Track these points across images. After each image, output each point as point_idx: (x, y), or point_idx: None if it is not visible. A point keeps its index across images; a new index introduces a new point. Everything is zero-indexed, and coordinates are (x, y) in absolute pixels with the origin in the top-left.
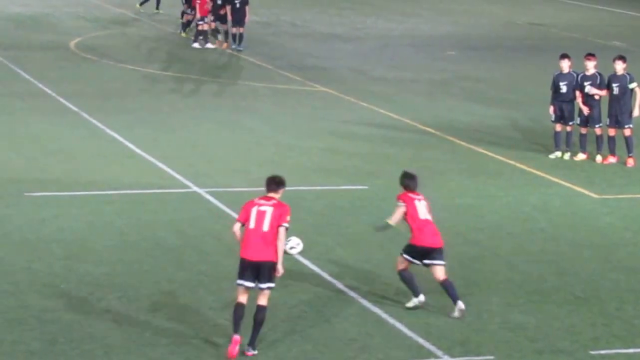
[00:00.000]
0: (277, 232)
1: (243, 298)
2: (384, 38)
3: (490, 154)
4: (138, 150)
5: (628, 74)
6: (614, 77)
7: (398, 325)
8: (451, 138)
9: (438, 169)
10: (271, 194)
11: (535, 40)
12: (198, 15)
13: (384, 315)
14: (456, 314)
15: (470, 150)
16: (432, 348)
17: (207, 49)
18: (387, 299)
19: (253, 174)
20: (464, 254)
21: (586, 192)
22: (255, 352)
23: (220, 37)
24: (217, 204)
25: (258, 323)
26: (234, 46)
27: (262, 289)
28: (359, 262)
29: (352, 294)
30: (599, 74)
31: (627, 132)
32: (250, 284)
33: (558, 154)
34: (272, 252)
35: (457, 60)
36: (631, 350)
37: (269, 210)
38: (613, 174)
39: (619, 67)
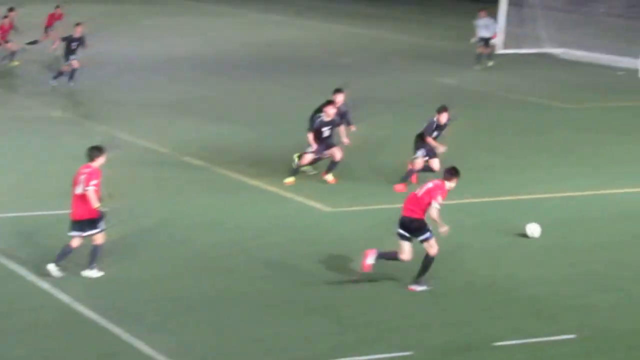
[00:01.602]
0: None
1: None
2: (122, 62)
3: (227, 172)
4: None
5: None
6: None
7: None
8: (189, 158)
9: (177, 188)
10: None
11: (270, 59)
12: None
13: None
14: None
15: (207, 170)
16: None
17: None
18: None
19: None
20: (204, 268)
21: (317, 205)
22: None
23: None
24: None
25: None
26: None
27: None
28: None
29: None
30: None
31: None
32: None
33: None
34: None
35: (194, 81)
36: (364, 358)
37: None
38: (341, 188)
39: (339, 98)
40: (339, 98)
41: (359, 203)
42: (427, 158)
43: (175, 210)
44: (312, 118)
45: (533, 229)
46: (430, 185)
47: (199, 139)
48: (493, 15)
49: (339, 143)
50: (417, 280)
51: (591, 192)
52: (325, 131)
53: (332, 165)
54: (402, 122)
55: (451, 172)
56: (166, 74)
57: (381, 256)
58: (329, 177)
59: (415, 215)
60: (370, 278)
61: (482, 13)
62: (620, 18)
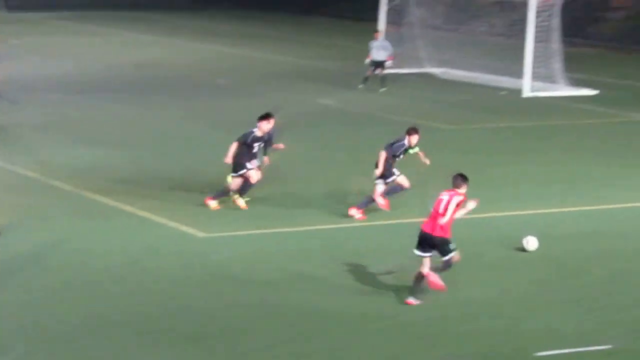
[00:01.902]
0: None
1: None
2: None
3: (97, 197)
4: None
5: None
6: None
7: None
8: (56, 182)
9: (44, 214)
10: None
11: (144, 80)
12: None
13: None
14: None
15: (77, 195)
16: None
17: None
18: None
19: None
20: (75, 296)
21: (192, 231)
22: None
23: None
24: None
25: None
26: None
27: None
28: None
29: None
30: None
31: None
32: None
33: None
34: None
35: (63, 103)
36: None
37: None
38: (217, 212)
39: (266, 126)
40: (269, 124)
41: (234, 228)
42: (390, 180)
43: (44, 237)
44: (245, 134)
45: (530, 242)
46: (445, 197)
47: (69, 162)
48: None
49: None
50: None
51: (473, 215)
52: (256, 147)
53: (245, 188)
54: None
55: (463, 179)
56: (35, 95)
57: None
58: (241, 202)
59: (439, 233)
60: (242, 303)
61: (377, 34)
62: (501, 37)
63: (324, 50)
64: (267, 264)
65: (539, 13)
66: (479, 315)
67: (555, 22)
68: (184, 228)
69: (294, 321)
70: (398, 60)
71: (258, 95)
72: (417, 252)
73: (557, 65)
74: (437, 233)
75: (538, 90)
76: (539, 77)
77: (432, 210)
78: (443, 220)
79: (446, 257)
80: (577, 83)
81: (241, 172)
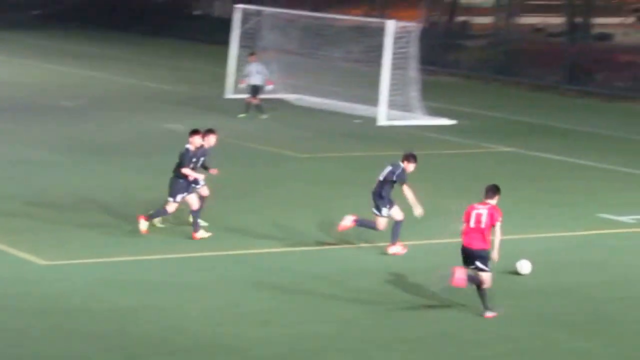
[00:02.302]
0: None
1: None
2: None
3: None
4: None
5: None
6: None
7: None
8: None
9: None
10: None
11: None
12: None
13: None
14: None
15: None
16: None
17: None
18: None
19: None
20: None
21: (33, 258)
22: None
23: None
24: None
25: None
26: None
27: None
28: None
29: None
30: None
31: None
32: None
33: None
34: None
35: None
36: None
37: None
38: (63, 239)
39: (211, 141)
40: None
41: (78, 256)
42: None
43: None
44: (182, 154)
45: (523, 267)
46: (483, 211)
47: None
48: (224, 58)
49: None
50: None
51: (320, 247)
52: (194, 163)
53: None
54: (119, 172)
55: (495, 190)
56: None
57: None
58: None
59: (479, 246)
60: (80, 333)
61: (252, 57)
62: (358, 63)
63: (175, 74)
64: (108, 294)
65: (396, 40)
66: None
67: (413, 50)
68: (24, 255)
69: (135, 352)
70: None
71: (101, 118)
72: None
73: (414, 93)
74: (478, 246)
75: (394, 119)
76: (395, 106)
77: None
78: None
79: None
80: (434, 112)
81: (178, 198)
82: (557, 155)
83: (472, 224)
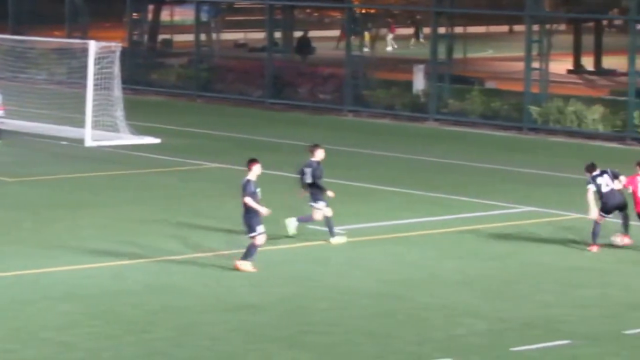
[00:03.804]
0: None
1: None
2: None
3: None
4: None
5: None
6: None
7: None
8: None
9: None
10: None
11: None
12: None
13: None
14: None
15: None
16: None
17: None
18: None
19: None
20: None
21: None
22: None
23: None
24: None
25: None
26: None
27: None
28: None
29: None
30: None
31: None
32: None
33: None
34: None
35: None
36: None
37: None
38: None
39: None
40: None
41: None
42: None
43: None
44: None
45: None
46: None
47: None
48: None
49: None
50: None
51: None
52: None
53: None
54: None
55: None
56: None
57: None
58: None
59: None
60: None
61: None
62: (62, 85)
63: None
64: None
65: (98, 60)
66: None
67: (116, 69)
68: None
69: None
70: None
71: None
72: None
73: (120, 113)
74: None
75: (100, 139)
76: (101, 126)
77: None
78: None
79: None
80: (140, 131)
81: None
82: (267, 170)
83: None
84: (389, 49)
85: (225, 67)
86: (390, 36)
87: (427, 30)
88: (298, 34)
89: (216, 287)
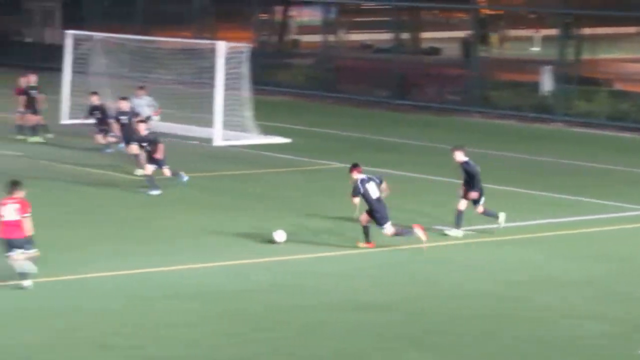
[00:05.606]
0: None
1: None
2: None
3: None
4: None
5: None
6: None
7: None
8: None
9: None
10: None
11: None
12: None
13: None
14: None
15: None
16: None
17: None
18: None
19: None
20: None
21: None
22: None
23: None
24: None
25: None
26: None
27: None
28: None
29: None
30: None
31: None
32: None
33: None
34: None
35: None
36: None
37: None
38: None
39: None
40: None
41: None
42: None
43: None
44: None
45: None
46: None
47: None
48: (57, 84)
49: None
50: None
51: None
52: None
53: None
54: None
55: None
56: None
57: None
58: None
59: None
60: None
61: (141, 91)
62: (190, 85)
63: (5, 100)
64: None
65: (227, 60)
66: None
67: (245, 70)
68: None
69: None
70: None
71: None
72: None
73: (248, 113)
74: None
75: (229, 139)
76: (230, 126)
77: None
78: None
79: None
80: (269, 131)
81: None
82: (391, 170)
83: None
84: (535, 49)
85: (351, 67)
86: (535, 36)
87: (551, 32)
88: (425, 35)
89: (341, 287)
